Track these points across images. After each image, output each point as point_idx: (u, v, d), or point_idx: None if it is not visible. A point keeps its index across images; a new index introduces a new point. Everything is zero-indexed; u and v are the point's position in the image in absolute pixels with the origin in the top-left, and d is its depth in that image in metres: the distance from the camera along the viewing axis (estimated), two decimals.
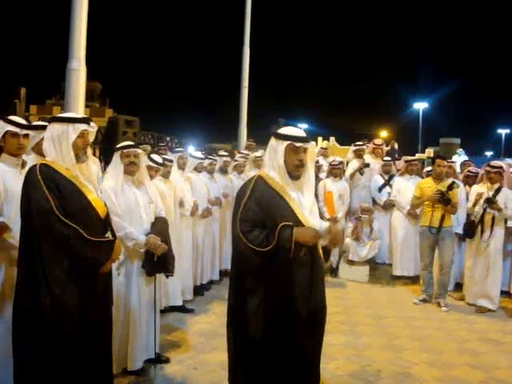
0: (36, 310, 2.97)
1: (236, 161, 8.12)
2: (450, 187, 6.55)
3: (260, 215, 3.05)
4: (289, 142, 3.12)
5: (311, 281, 3.13)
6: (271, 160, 3.20)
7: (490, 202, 6.38)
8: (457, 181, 7.49)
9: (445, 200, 6.49)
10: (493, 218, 6.45)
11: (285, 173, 3.14)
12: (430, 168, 8.16)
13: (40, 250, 2.96)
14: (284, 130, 3.23)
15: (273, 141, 3.21)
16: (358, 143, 9.38)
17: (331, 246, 3.39)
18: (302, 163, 3.17)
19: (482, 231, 6.49)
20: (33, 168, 3.08)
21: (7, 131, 3.60)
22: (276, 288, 3.05)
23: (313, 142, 3.30)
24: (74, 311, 2.99)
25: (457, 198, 6.67)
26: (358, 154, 9.12)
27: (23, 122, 3.74)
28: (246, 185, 3.19)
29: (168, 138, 13.04)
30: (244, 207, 3.05)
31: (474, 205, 6.58)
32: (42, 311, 2.95)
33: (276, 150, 3.16)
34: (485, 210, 6.49)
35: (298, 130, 3.26)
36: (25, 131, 3.66)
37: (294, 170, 3.17)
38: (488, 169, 6.63)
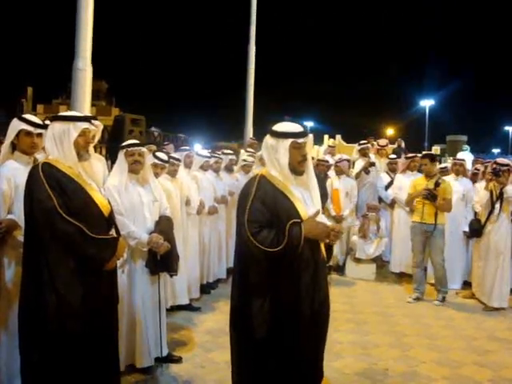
0: (41, 308, 2.97)
1: (245, 161, 8.09)
2: (437, 184, 6.64)
3: (266, 215, 2.99)
4: (292, 139, 3.04)
5: (314, 280, 3.10)
6: (271, 159, 3.11)
7: (496, 171, 6.36)
8: (464, 178, 7.50)
9: (432, 196, 6.58)
10: (500, 193, 6.39)
11: (288, 171, 3.08)
12: (443, 165, 8.19)
13: (44, 248, 2.96)
14: (282, 127, 3.12)
15: (271, 139, 3.10)
16: (362, 142, 9.36)
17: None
18: (306, 158, 3.11)
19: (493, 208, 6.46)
20: (35, 167, 3.09)
21: (21, 130, 3.63)
22: (281, 288, 3.03)
23: (310, 135, 3.22)
24: (78, 310, 2.99)
25: (447, 194, 6.66)
26: (363, 153, 9.09)
27: (38, 121, 3.78)
28: (250, 184, 3.12)
29: (182, 136, 13.16)
30: (250, 207, 2.98)
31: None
32: (46, 310, 2.96)
33: (277, 148, 3.06)
34: (493, 206, 6.47)
35: (295, 124, 3.16)
36: (39, 130, 3.69)
37: (298, 166, 3.10)
38: (495, 166, 6.59)
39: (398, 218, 8.18)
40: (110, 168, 5.69)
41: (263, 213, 2.99)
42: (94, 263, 3.09)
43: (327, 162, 8.34)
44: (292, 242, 2.92)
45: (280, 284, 3.02)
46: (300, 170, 3.13)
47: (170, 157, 5.78)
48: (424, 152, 10.81)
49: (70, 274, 2.99)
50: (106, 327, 3.20)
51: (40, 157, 3.82)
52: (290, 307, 3.03)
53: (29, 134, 3.64)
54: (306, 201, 3.15)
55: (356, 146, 9.43)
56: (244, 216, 2.98)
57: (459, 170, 7.55)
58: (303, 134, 3.09)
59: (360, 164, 9.00)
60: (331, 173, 8.55)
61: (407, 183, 7.90)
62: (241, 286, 3.17)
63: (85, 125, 3.18)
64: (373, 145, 10.22)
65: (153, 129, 11.97)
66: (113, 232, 3.28)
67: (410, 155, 8.65)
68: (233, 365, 3.27)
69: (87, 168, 3.26)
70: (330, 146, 11.50)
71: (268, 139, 3.13)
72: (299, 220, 2.99)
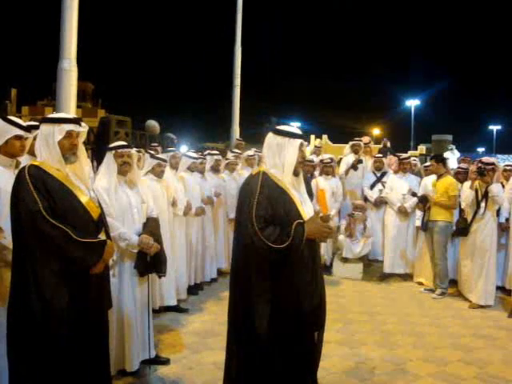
0: (27, 312, 2.94)
1: (227, 159, 8.12)
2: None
3: (270, 211, 3.05)
4: (300, 140, 3.18)
5: (314, 279, 3.16)
6: (274, 158, 3.18)
7: (481, 171, 6.46)
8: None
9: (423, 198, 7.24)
10: (486, 192, 6.50)
11: (291, 170, 3.16)
12: (427, 164, 8.29)
13: (29, 251, 2.94)
14: (289, 128, 3.26)
15: (278, 138, 3.18)
16: (356, 139, 9.48)
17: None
18: (305, 160, 3.27)
19: (478, 208, 6.60)
20: (22, 169, 3.05)
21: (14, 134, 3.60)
22: (282, 285, 3.06)
23: None
24: (63, 314, 2.95)
25: (451, 192, 6.94)
26: (355, 150, 9.19)
27: (24, 123, 3.76)
28: (253, 180, 3.15)
29: (170, 135, 13.23)
30: (257, 203, 3.02)
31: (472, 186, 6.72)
32: (32, 314, 2.93)
33: (284, 147, 3.15)
34: (479, 205, 6.55)
35: (295, 127, 3.34)
36: (28, 134, 3.68)
37: (299, 167, 3.23)
38: (480, 165, 6.66)
39: (387, 218, 8.20)
40: (95, 170, 5.66)
41: (268, 209, 3.04)
42: (80, 266, 3.05)
43: (312, 161, 8.38)
44: (295, 242, 2.98)
45: (281, 280, 3.06)
46: (299, 170, 3.25)
47: (156, 157, 5.78)
48: (427, 150, 11.04)
49: (55, 277, 2.95)
50: (95, 331, 3.16)
51: (23, 159, 3.78)
52: (291, 303, 3.07)
53: (19, 137, 3.61)
54: (300, 200, 3.23)
55: (350, 142, 9.48)
56: (251, 211, 3.01)
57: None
58: (305, 138, 3.28)
59: (349, 159, 9.11)
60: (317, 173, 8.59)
61: (399, 183, 7.97)
62: (240, 282, 3.19)
63: (70, 126, 3.16)
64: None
65: (169, 135, 12.21)
66: (102, 235, 3.24)
67: (404, 156, 8.69)
68: (228, 364, 3.27)
69: (77, 170, 3.24)
70: (316, 147, 11.55)
71: (274, 138, 3.21)
72: (303, 221, 3.06)
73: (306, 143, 3.28)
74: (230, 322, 3.28)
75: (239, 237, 3.17)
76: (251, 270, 3.09)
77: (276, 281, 3.06)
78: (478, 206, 6.59)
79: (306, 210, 3.21)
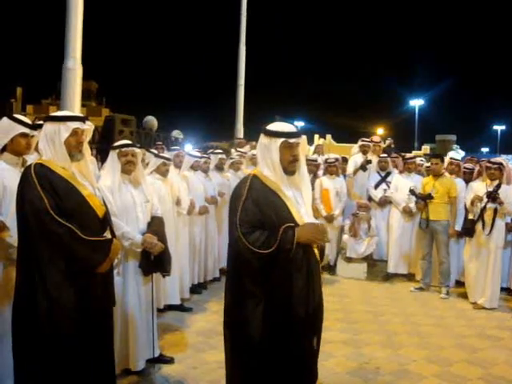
0: (34, 311, 2.94)
1: (232, 158, 8.12)
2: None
3: (258, 215, 3.00)
4: (283, 139, 3.06)
5: (308, 281, 3.10)
6: (264, 158, 3.13)
7: (492, 196, 6.41)
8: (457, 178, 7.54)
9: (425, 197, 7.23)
10: (494, 212, 6.46)
11: (280, 170, 3.09)
12: (429, 164, 8.27)
13: (36, 250, 2.93)
14: (275, 127, 3.14)
15: (264, 138, 3.13)
16: (364, 139, 9.42)
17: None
18: (296, 158, 3.13)
19: (484, 227, 6.52)
20: (28, 168, 3.05)
21: (19, 132, 3.61)
22: (274, 289, 3.02)
23: (304, 136, 3.24)
24: (71, 313, 2.96)
25: (452, 193, 7.04)
26: (363, 150, 9.16)
27: (29, 121, 3.77)
28: (242, 185, 3.13)
29: (175, 133, 13.32)
30: (242, 208, 2.99)
31: (473, 203, 6.61)
32: (39, 313, 2.92)
33: (269, 147, 3.09)
34: (485, 206, 6.51)
35: (288, 125, 3.19)
36: (34, 132, 3.68)
37: (289, 166, 3.12)
38: (489, 165, 6.65)
39: (392, 218, 8.17)
40: (100, 169, 5.67)
41: (255, 213, 2.99)
42: (86, 265, 3.05)
43: (316, 161, 8.36)
44: (284, 246, 2.92)
45: (273, 285, 3.02)
46: (290, 169, 3.14)
47: (160, 156, 5.78)
48: (431, 150, 10.99)
49: (61, 275, 2.95)
50: (101, 329, 3.16)
51: (33, 157, 3.79)
52: (284, 309, 3.02)
53: (25, 135, 3.62)
54: (297, 200, 3.16)
55: (359, 142, 9.45)
56: (236, 216, 2.98)
57: (454, 169, 7.60)
58: (295, 135, 3.10)
59: (356, 159, 9.09)
60: (321, 172, 8.57)
61: (404, 183, 7.94)
62: (234, 286, 3.16)
63: (75, 124, 3.15)
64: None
65: (175, 132, 12.24)
66: (107, 234, 3.24)
67: (407, 156, 8.64)
68: (226, 365, 3.26)
69: (82, 168, 3.23)
70: (318, 145, 11.56)
71: (262, 138, 3.15)
72: (293, 224, 2.99)
73: (295, 140, 3.07)
74: (224, 322, 3.23)
75: (229, 240, 3.14)
76: (241, 273, 3.05)
77: (267, 285, 3.01)
78: (485, 206, 6.54)
79: (303, 211, 3.14)
